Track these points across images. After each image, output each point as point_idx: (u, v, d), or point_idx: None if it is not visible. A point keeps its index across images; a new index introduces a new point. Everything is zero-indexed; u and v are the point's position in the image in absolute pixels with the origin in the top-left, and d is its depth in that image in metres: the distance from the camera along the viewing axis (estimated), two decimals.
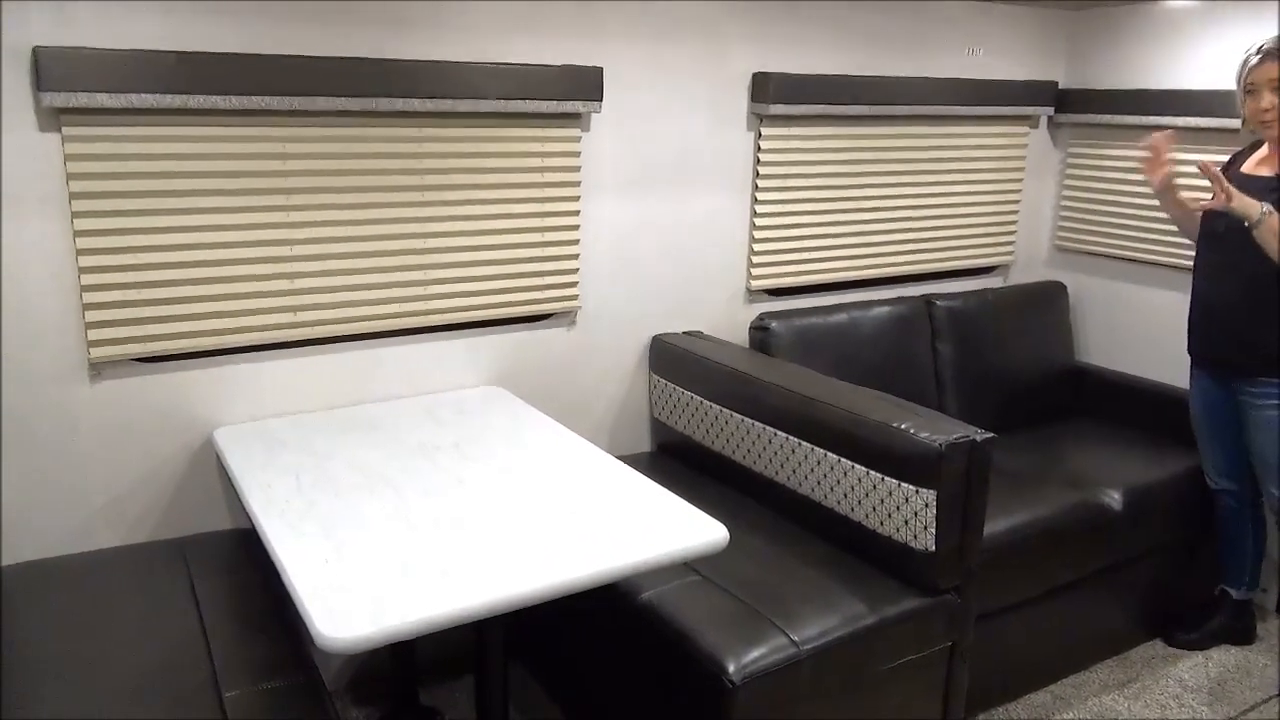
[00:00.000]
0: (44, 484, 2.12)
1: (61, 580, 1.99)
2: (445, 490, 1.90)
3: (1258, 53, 2.38)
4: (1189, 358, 2.75)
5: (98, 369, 2.12)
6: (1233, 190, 2.32)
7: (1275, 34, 2.39)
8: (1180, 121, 3.02)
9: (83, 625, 1.81)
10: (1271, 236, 2.33)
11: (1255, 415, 2.56)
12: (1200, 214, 2.62)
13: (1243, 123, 2.51)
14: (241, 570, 2.07)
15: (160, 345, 2.16)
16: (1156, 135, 2.63)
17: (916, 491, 2.03)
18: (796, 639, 1.90)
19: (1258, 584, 2.88)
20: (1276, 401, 2.52)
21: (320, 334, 2.34)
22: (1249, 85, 2.41)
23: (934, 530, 2.02)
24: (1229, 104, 2.89)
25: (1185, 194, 2.72)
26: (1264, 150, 2.54)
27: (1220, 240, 2.52)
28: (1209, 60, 3.02)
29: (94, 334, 2.08)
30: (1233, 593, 2.84)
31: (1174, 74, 3.11)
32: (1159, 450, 2.95)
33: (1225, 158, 2.65)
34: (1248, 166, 2.57)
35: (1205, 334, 2.66)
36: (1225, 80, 2.95)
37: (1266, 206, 2.32)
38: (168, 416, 2.22)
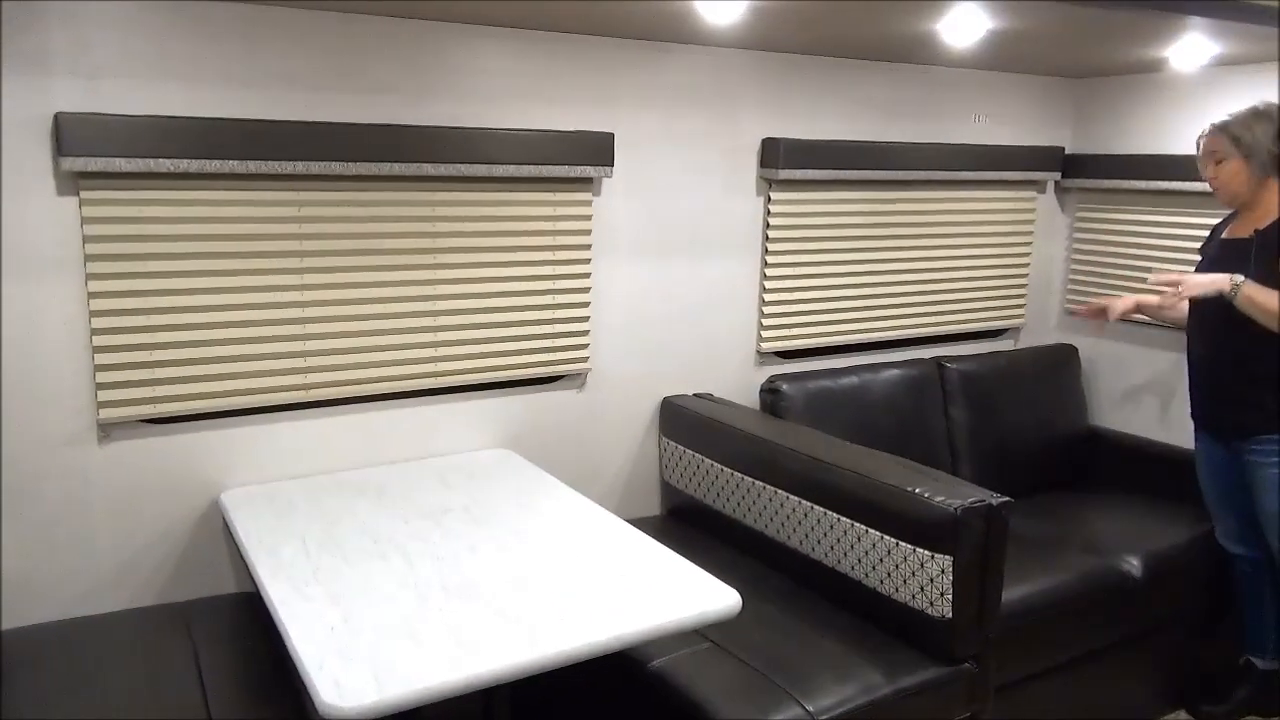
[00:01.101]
0: (51, 546, 2.10)
1: (63, 644, 1.96)
2: (454, 555, 1.87)
3: (1210, 126, 2.52)
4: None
5: (107, 430, 2.12)
6: (1186, 280, 2.42)
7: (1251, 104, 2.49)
8: (1184, 186, 3.04)
9: (82, 691, 1.77)
10: (1250, 305, 2.36)
11: (1260, 475, 2.53)
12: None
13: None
14: (246, 636, 2.04)
15: (170, 406, 2.16)
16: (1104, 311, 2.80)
17: (932, 557, 2.00)
18: (812, 709, 1.85)
19: (1276, 654, 2.75)
20: (1278, 459, 2.49)
21: (331, 395, 2.34)
22: (1199, 158, 2.56)
23: (951, 597, 1.98)
24: None
25: (1146, 297, 2.82)
26: (1232, 221, 2.61)
27: (1203, 304, 2.53)
28: None
29: (104, 395, 2.08)
30: (1258, 662, 2.75)
31: (1177, 139, 3.14)
32: (1176, 514, 2.90)
33: (1213, 222, 2.72)
34: (1228, 230, 2.61)
35: (1203, 397, 2.66)
36: None
37: (1236, 277, 2.36)
38: (176, 478, 2.21)
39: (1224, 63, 2.88)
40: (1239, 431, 2.55)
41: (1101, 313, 2.81)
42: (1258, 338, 2.40)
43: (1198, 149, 2.57)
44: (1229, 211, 2.64)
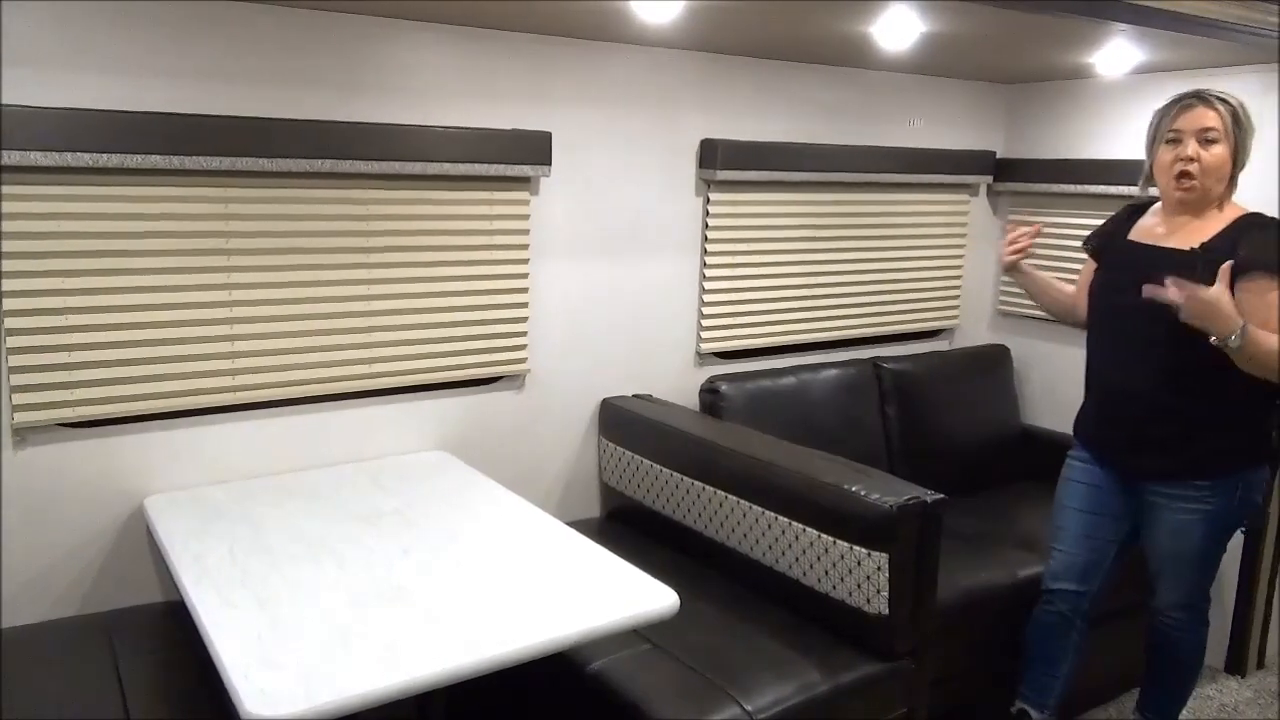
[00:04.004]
0: None
1: None
2: (388, 559, 1.83)
3: (1179, 101, 2.12)
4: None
5: (22, 435, 2.04)
6: (1192, 300, 1.92)
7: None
8: (1112, 190, 3.11)
9: None
10: (1254, 356, 1.94)
11: (1169, 519, 2.19)
12: (1081, 289, 2.38)
13: (1144, 181, 2.24)
14: (170, 646, 1.97)
15: (90, 410, 2.08)
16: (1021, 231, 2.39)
17: (869, 554, 2.01)
18: (750, 708, 1.85)
19: (1055, 710, 2.43)
20: (1204, 506, 2.15)
21: (260, 398, 2.27)
22: (1172, 133, 2.11)
23: (887, 594, 2.00)
24: None
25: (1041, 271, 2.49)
26: (1155, 215, 2.24)
27: (1130, 319, 2.13)
28: (1140, 131, 3.11)
29: (19, 398, 2.00)
30: (1033, 713, 2.41)
31: (1106, 144, 3.22)
32: None
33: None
34: (1144, 234, 2.23)
35: (1111, 429, 2.26)
36: None
37: (1237, 322, 1.92)
38: (97, 484, 2.13)
39: (1148, 70, 2.96)
40: (1155, 473, 2.19)
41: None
42: (1196, 365, 2.03)
43: (1158, 129, 2.14)
44: (1131, 207, 2.31)
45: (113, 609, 2.16)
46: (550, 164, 2.51)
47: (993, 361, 3.43)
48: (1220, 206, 2.13)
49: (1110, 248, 2.30)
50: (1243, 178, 2.15)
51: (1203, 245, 2.06)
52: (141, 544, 2.20)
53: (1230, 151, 2.07)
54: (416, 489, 2.24)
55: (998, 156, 3.49)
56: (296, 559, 1.82)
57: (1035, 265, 2.56)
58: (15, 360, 1.98)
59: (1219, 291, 1.92)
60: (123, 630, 2.02)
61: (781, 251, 3.06)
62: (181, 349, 2.15)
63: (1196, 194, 2.10)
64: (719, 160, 2.80)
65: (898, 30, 2.35)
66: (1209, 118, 2.06)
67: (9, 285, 1.96)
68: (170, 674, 1.87)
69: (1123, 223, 2.31)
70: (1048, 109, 3.40)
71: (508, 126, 2.47)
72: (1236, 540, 2.92)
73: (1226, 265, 1.94)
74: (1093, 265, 2.38)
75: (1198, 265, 1.99)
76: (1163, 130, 2.14)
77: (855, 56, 2.85)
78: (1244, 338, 1.92)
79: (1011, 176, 3.47)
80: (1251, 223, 2.09)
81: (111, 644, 1.95)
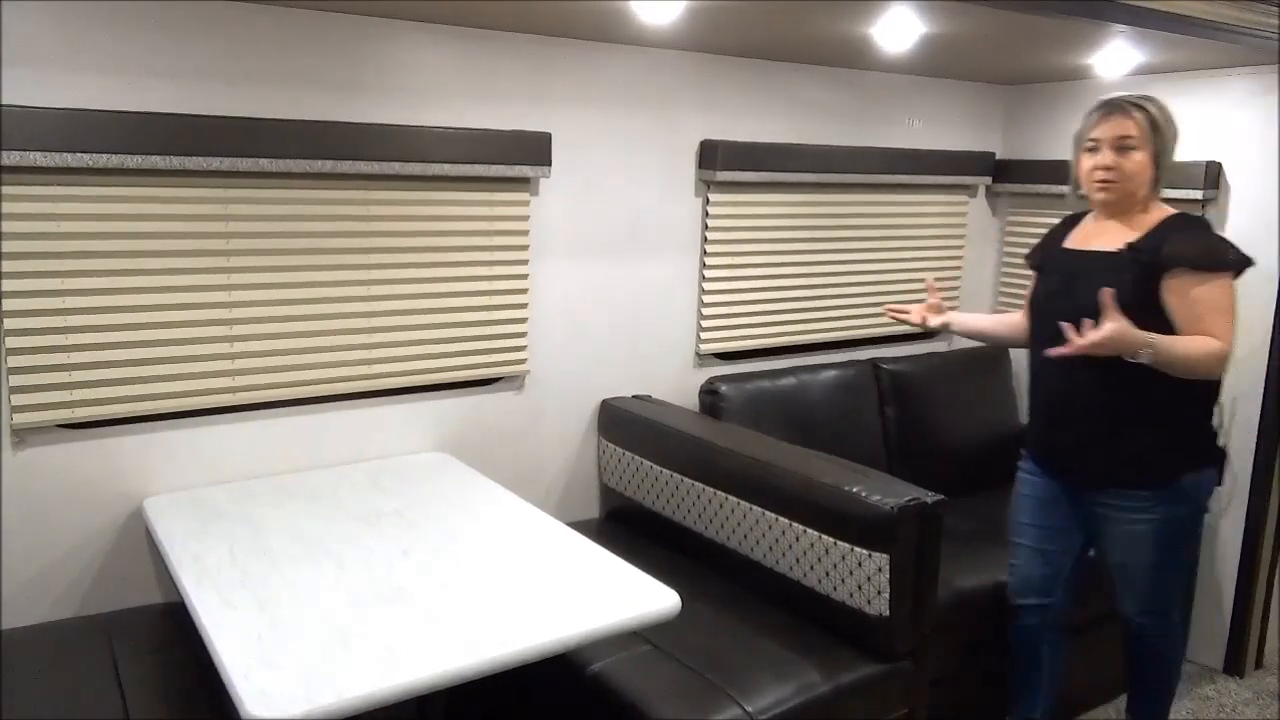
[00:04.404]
0: None
1: None
2: (388, 560, 1.83)
3: (1098, 108, 2.12)
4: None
5: (21, 436, 2.03)
6: (1087, 341, 1.94)
7: (1116, 95, 2.12)
8: None
9: None
10: (1169, 364, 1.98)
11: (1120, 530, 2.18)
12: (1018, 318, 2.43)
13: (1073, 186, 2.23)
14: (170, 647, 1.97)
15: (89, 411, 2.07)
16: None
17: (869, 555, 2.01)
18: (751, 709, 1.85)
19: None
20: (1150, 515, 2.14)
21: (260, 399, 2.27)
22: (1090, 141, 2.13)
23: (888, 595, 2.00)
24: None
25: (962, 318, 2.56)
26: (1090, 221, 2.25)
27: (1065, 312, 2.09)
28: None
29: (18, 399, 1.99)
30: None
31: None
32: None
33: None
34: (1077, 241, 2.24)
35: (1055, 438, 2.25)
36: None
37: (1149, 340, 1.95)
38: (96, 485, 2.13)
39: (1148, 71, 2.97)
40: (1100, 482, 2.19)
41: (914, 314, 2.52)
42: (1134, 371, 2.01)
43: (1081, 135, 2.15)
44: (1070, 217, 2.32)
45: (112, 610, 2.15)
46: (550, 165, 2.51)
47: (991, 362, 3.43)
48: (1146, 208, 2.14)
49: (1047, 256, 2.32)
50: (1242, 178, 2.15)
51: (1129, 245, 2.09)
52: (141, 545, 2.19)
53: (1151, 156, 2.08)
54: (416, 489, 2.24)
55: (997, 158, 3.49)
56: (296, 560, 1.82)
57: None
58: (15, 361, 1.98)
59: (1110, 327, 1.94)
60: (122, 631, 2.02)
61: (781, 252, 3.06)
62: (181, 349, 2.15)
63: (1116, 196, 2.12)
64: (719, 161, 2.80)
65: (898, 31, 2.35)
66: (1126, 126, 2.07)
67: (8, 286, 1.95)
68: (170, 675, 1.86)
69: (1059, 233, 2.33)
70: (1047, 110, 3.40)
71: (507, 127, 2.47)
72: (1234, 541, 2.95)
73: (1108, 292, 1.95)
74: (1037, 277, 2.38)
75: (1125, 264, 2.06)
76: (1083, 138, 2.16)
77: (855, 58, 2.86)
78: (1155, 351, 1.96)
79: (1010, 177, 3.47)
80: (1176, 223, 2.11)
81: (111, 645, 1.95)
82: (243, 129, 2.10)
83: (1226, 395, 2.88)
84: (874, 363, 3.18)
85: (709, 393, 2.84)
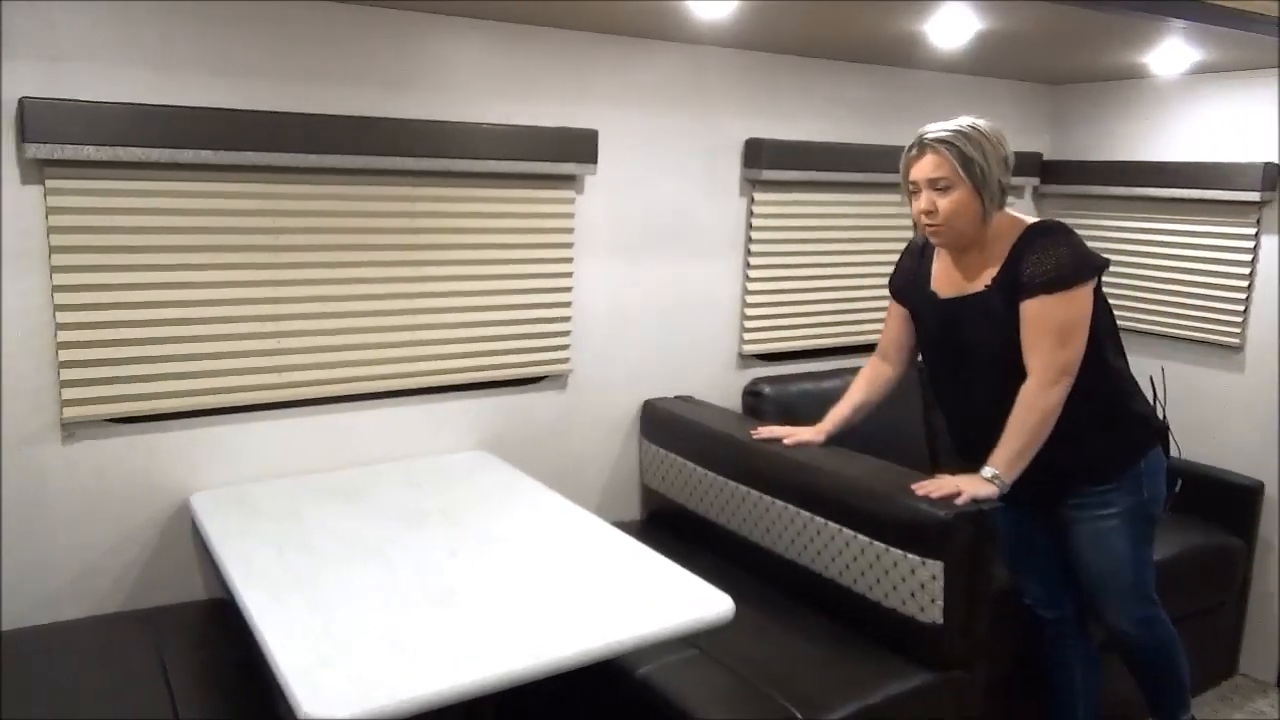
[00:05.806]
0: (7, 551, 2.00)
1: (21, 655, 1.86)
2: (436, 560, 1.81)
3: (912, 147, 2.03)
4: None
5: (70, 430, 2.03)
6: (961, 484, 1.97)
7: (934, 125, 2.01)
8: (1163, 193, 3.05)
9: (41, 704, 1.69)
10: (1026, 455, 1.98)
11: (1086, 529, 2.12)
12: (892, 331, 2.34)
13: (915, 226, 2.14)
14: (215, 644, 1.96)
15: (137, 405, 2.07)
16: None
17: (923, 563, 1.97)
18: (804, 718, 1.81)
19: None
20: (1115, 509, 2.08)
21: (305, 395, 2.26)
22: (910, 184, 2.05)
23: (941, 603, 1.96)
24: (1211, 176, 2.94)
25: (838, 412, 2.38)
26: (944, 261, 2.17)
27: (966, 367, 2.11)
28: (1191, 133, 3.07)
29: (68, 393, 1.99)
30: None
31: (1157, 146, 3.16)
32: (1167, 516, 2.85)
33: None
34: (941, 281, 2.16)
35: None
36: (1207, 153, 3.01)
37: (991, 475, 1.99)
38: (142, 480, 2.13)
39: (1204, 70, 2.90)
40: (1048, 501, 2.16)
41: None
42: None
43: (905, 172, 2.06)
44: (922, 245, 2.22)
45: (156, 605, 2.15)
46: (596, 162, 2.49)
47: None
48: (997, 231, 2.04)
49: (916, 298, 2.23)
50: None
51: (993, 282, 2.04)
52: (185, 540, 2.19)
53: (970, 190, 1.98)
54: (459, 488, 2.22)
55: (1044, 158, 3.43)
56: (344, 559, 1.80)
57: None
58: (65, 355, 1.98)
59: (951, 481, 2.01)
60: (167, 627, 2.01)
61: (826, 253, 3.02)
62: (227, 345, 2.14)
63: (947, 238, 2.06)
64: (764, 160, 2.77)
65: (953, 28, 2.31)
66: (937, 166, 1.98)
67: (59, 280, 1.95)
68: (216, 672, 1.85)
69: (917, 266, 2.24)
70: (1096, 110, 3.34)
71: (551, 124, 2.44)
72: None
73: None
74: (898, 307, 2.31)
75: (988, 308, 2.04)
76: (904, 180, 2.08)
77: (902, 56, 2.81)
78: (1000, 475, 1.99)
79: (1058, 179, 3.41)
80: (1029, 244, 2.02)
81: (156, 641, 1.94)
82: (290, 124, 2.09)
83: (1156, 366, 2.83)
84: (919, 366, 3.12)
85: (752, 394, 2.80)
